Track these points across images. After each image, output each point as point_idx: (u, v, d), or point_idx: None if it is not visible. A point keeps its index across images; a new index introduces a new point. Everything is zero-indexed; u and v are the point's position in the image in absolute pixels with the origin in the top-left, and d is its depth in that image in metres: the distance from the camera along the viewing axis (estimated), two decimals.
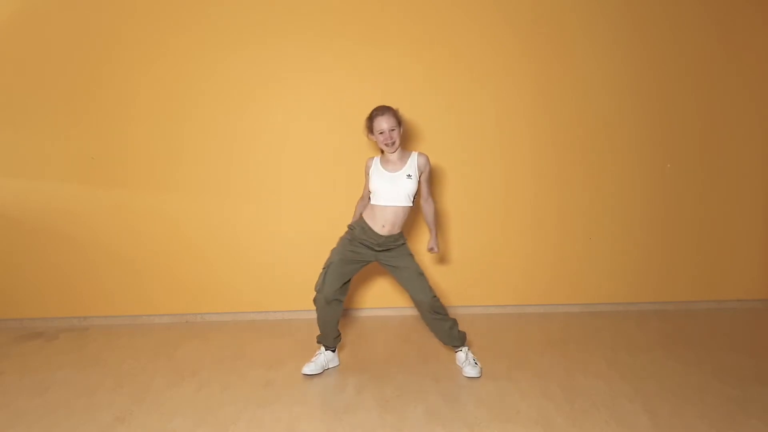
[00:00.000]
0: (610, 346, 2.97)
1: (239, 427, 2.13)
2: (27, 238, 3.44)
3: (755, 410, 2.20)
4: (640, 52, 3.46)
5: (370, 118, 2.50)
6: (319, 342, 2.71)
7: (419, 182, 2.56)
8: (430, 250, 2.69)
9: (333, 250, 2.59)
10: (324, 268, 2.55)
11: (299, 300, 3.55)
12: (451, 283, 3.57)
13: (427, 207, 2.66)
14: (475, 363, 2.62)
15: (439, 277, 3.54)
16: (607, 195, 3.56)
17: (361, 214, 2.63)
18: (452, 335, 2.61)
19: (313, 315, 3.55)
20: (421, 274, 2.54)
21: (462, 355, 2.64)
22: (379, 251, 2.56)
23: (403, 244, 2.60)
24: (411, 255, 2.59)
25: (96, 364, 2.83)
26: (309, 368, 2.64)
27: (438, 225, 2.73)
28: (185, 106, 3.36)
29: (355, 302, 3.58)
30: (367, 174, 2.62)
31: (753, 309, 3.66)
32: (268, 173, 3.44)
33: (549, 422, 2.13)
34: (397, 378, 2.58)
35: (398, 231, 2.56)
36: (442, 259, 3.54)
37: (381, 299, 3.57)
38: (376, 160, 2.60)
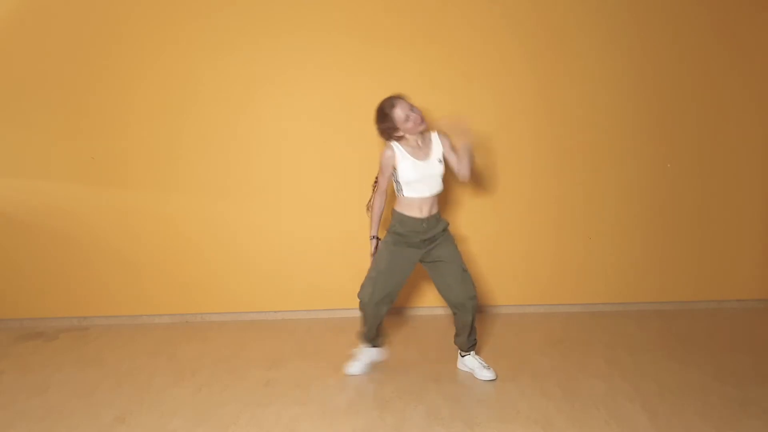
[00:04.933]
0: (610, 346, 2.97)
1: (239, 427, 2.13)
2: (27, 238, 3.44)
3: (755, 410, 2.20)
4: (641, 51, 3.46)
5: (385, 114, 2.34)
6: (364, 341, 2.65)
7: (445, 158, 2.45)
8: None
9: (377, 258, 2.47)
10: (370, 278, 2.46)
11: (299, 300, 3.56)
12: None
13: (462, 169, 2.46)
14: (487, 366, 2.59)
15: None
16: (607, 195, 3.55)
17: (381, 211, 2.48)
18: (471, 338, 2.60)
19: (313, 315, 3.58)
20: (465, 271, 2.47)
21: (471, 359, 2.61)
22: (424, 242, 2.43)
23: (446, 228, 2.49)
24: (455, 244, 2.49)
25: (96, 364, 2.84)
26: (355, 367, 2.60)
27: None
28: (185, 105, 3.36)
29: (354, 302, 3.56)
30: (387, 166, 2.39)
31: (753, 309, 3.66)
32: (269, 173, 3.44)
33: (549, 422, 2.13)
34: (397, 378, 2.58)
35: (437, 210, 2.46)
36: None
37: None
38: (398, 147, 2.38)
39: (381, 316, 2.52)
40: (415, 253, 2.45)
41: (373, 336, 2.64)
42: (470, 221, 3.52)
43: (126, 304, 3.52)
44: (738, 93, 3.52)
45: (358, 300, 2.50)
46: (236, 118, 3.38)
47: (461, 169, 2.45)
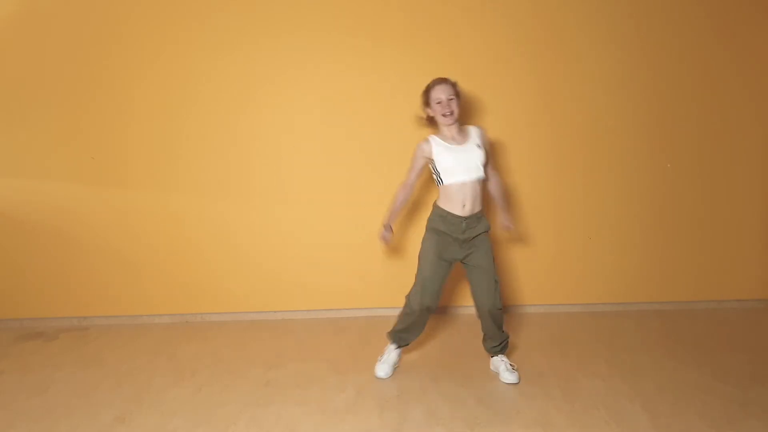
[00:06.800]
0: (610, 346, 2.97)
1: (239, 427, 2.13)
2: (27, 238, 3.44)
3: (755, 410, 2.20)
4: (641, 51, 3.46)
5: (427, 90, 2.42)
6: (395, 341, 2.64)
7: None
8: (506, 228, 2.60)
9: (422, 263, 2.46)
10: (417, 285, 2.46)
11: (299, 300, 3.56)
12: (452, 284, 3.57)
13: (493, 181, 2.56)
14: (513, 368, 2.57)
15: None
16: (607, 195, 3.55)
17: (401, 203, 2.53)
18: (498, 344, 2.61)
19: (313, 315, 3.58)
20: (496, 281, 2.45)
21: (498, 360, 2.61)
22: (464, 242, 2.42)
23: (487, 231, 2.47)
24: (492, 253, 2.47)
25: (96, 364, 2.84)
26: (385, 370, 2.58)
27: (508, 201, 2.59)
28: (185, 105, 3.36)
29: (355, 302, 3.58)
30: (419, 158, 2.45)
31: (753, 309, 3.66)
32: (269, 173, 3.44)
33: (549, 422, 2.13)
34: (397, 378, 2.58)
35: (479, 208, 2.44)
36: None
37: (380, 299, 3.57)
38: (435, 139, 2.43)
39: (426, 320, 2.55)
40: (456, 253, 2.45)
41: (409, 338, 2.64)
42: None
43: (126, 304, 3.52)
44: (738, 93, 3.52)
45: (406, 304, 2.53)
46: (236, 118, 3.38)
47: (492, 182, 2.56)
